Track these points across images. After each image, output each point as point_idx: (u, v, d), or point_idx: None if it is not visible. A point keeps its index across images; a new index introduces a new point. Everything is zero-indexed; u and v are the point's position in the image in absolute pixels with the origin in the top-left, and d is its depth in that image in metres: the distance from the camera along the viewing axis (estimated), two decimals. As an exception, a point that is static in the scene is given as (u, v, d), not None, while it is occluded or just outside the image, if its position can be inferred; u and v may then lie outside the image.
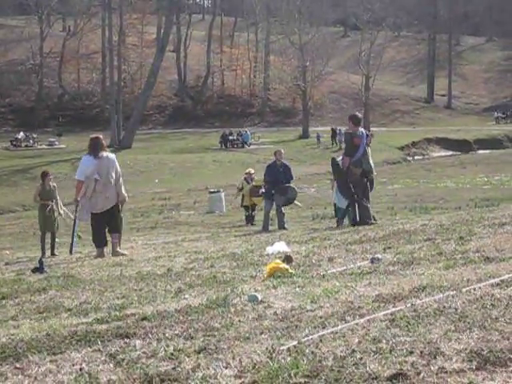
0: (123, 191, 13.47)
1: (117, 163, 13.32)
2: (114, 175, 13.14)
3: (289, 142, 68.27)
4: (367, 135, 14.90)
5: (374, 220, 14.47)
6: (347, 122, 15.37)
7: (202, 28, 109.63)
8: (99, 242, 13.16)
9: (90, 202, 13.02)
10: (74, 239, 14.11)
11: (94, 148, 13.12)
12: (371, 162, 14.82)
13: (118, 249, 13.15)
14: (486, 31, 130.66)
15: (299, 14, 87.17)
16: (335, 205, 18.21)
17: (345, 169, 14.58)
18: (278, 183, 18.85)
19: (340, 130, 69.13)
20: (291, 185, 19.37)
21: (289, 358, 4.09)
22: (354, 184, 14.51)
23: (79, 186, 13.09)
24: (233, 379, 3.87)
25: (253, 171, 24.45)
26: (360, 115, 16.09)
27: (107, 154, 13.26)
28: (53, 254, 16.07)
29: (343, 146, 20.22)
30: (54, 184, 17.51)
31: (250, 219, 23.54)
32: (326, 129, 79.57)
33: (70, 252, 13.39)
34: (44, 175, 17.38)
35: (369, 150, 14.82)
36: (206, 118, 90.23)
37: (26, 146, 68.82)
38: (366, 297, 5.64)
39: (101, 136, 13.70)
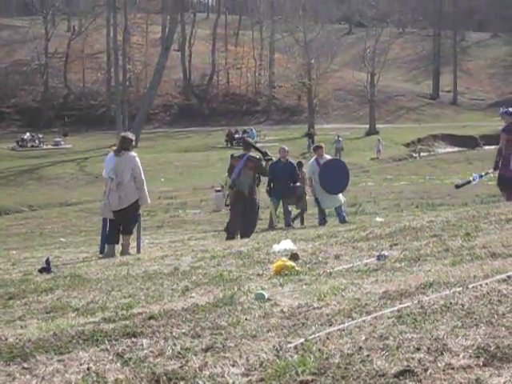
0: (145, 194, 13.46)
1: (136, 163, 13.29)
2: (128, 175, 13.11)
3: (295, 140, 68.13)
4: (248, 158, 15.40)
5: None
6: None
7: (207, 27, 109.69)
8: (111, 240, 13.20)
9: (107, 199, 13.14)
10: (141, 237, 13.90)
11: (118, 146, 13.26)
12: (246, 184, 15.37)
13: (129, 250, 13.17)
14: (491, 27, 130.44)
15: (303, 12, 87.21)
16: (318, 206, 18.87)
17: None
18: (281, 181, 18.77)
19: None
20: (297, 184, 19.33)
21: (296, 356, 4.09)
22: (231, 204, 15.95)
23: (105, 183, 13.40)
24: (240, 377, 3.87)
25: None
26: (250, 141, 17.82)
27: (130, 153, 13.28)
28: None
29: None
30: None
31: None
32: (332, 126, 79.56)
33: (138, 251, 13.20)
34: None
35: (250, 173, 15.40)
36: (212, 116, 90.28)
37: (32, 146, 68.91)
38: (372, 294, 5.64)
39: (129, 135, 13.86)
